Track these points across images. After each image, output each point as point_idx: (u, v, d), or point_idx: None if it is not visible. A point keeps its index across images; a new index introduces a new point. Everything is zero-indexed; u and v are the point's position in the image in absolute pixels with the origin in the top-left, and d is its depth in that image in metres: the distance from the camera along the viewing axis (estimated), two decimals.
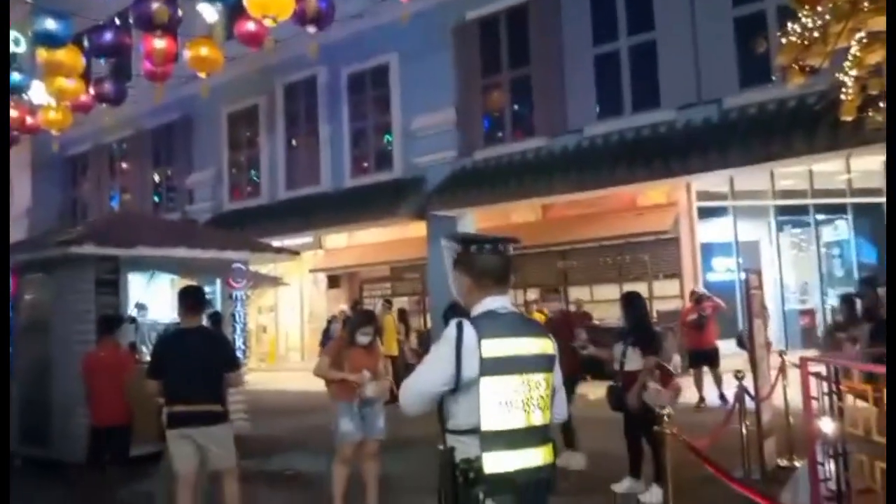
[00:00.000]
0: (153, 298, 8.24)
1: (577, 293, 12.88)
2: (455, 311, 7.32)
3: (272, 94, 15.28)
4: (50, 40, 8.40)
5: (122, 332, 6.65)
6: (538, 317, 8.13)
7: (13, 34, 9.69)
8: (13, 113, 11.69)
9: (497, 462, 2.19)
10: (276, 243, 10.47)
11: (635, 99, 10.87)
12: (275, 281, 11.54)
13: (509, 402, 2.24)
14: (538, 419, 2.29)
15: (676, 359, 8.84)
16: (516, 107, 12.37)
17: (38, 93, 11.17)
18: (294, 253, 9.87)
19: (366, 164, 14.06)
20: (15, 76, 10.76)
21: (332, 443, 5.18)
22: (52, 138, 15.48)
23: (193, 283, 7.37)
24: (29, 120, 12.23)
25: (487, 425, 2.21)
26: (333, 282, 16.45)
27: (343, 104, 14.17)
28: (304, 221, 13.69)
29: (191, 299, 4.69)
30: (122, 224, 8.33)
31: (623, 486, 5.33)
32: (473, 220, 12.25)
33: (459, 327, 2.28)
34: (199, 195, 16.47)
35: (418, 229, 12.97)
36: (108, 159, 18.82)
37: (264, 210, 14.90)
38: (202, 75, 9.65)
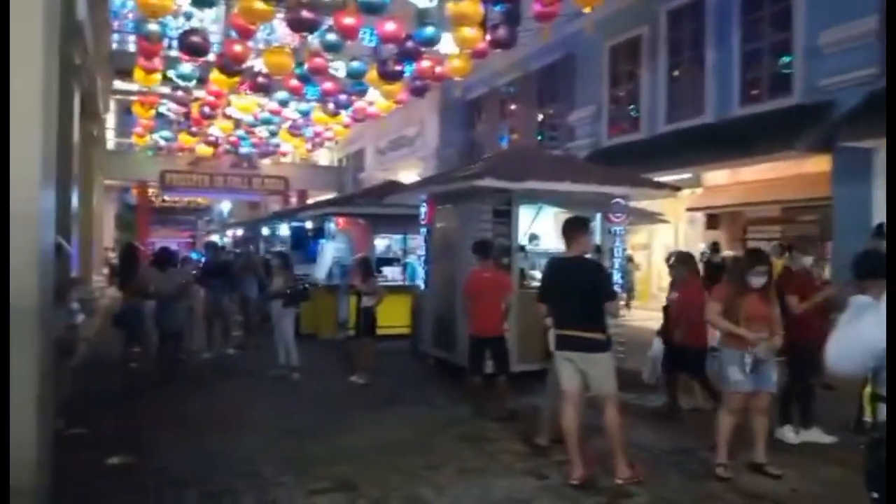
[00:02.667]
0: (539, 229, 8.82)
1: None
2: (868, 259, 6.23)
3: (655, 23, 14.66)
4: None
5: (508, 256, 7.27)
6: None
7: None
8: (425, 64, 13.47)
9: None
10: (656, 179, 10.19)
11: None
12: (653, 217, 11.28)
13: None
14: None
15: None
16: None
17: (445, 43, 12.61)
18: (674, 188, 9.49)
19: (757, 91, 12.63)
20: (428, 30, 12.32)
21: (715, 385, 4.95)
22: (455, 84, 17.55)
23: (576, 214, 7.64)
24: (438, 69, 13.95)
25: None
26: (712, 222, 15.46)
27: (733, 25, 12.85)
28: (684, 156, 13.02)
29: (576, 228, 4.81)
30: (515, 160, 8.98)
31: None
32: None
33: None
34: (580, 132, 16.90)
35: (818, 164, 11.24)
36: (499, 101, 20.51)
37: (643, 145, 14.61)
38: (587, 10, 9.71)
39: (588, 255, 5.02)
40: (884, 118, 9.52)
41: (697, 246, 15.71)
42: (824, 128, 10.60)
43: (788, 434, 5.65)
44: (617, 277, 8.40)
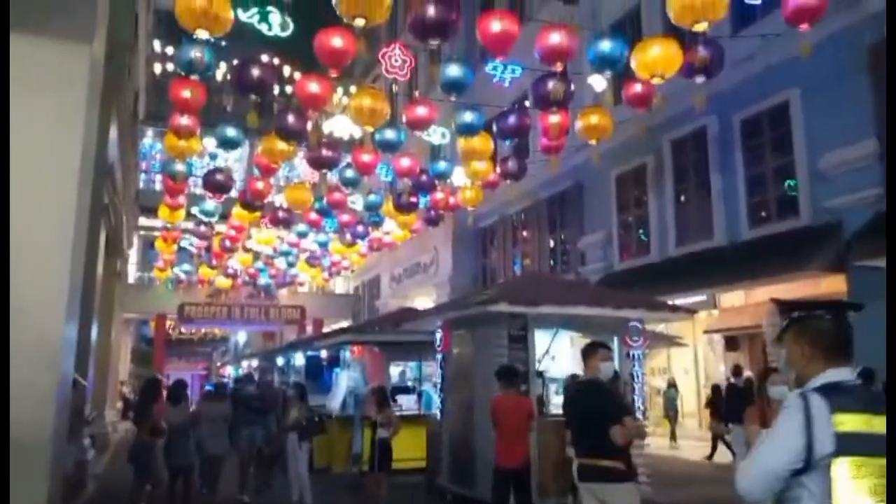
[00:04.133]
0: (556, 354, 8.73)
1: None
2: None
3: (659, 152, 15.25)
4: (468, 130, 9.85)
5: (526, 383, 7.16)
6: None
7: (440, 129, 11.67)
8: (439, 196, 13.99)
9: None
10: (671, 303, 10.20)
11: None
12: (671, 340, 11.20)
13: (871, 490, 1.87)
14: None
15: None
16: None
17: (457, 176, 13.18)
18: (690, 311, 9.47)
19: (765, 213, 12.87)
20: (442, 164, 12.92)
21: None
22: (467, 213, 18.06)
23: (593, 339, 7.59)
24: (451, 199, 14.47)
25: None
26: (731, 344, 15.23)
27: (736, 152, 13.35)
28: (697, 279, 13.08)
29: (587, 352, 4.77)
30: (529, 285, 9.08)
31: None
32: None
33: (804, 396, 1.99)
34: (591, 256, 17.14)
35: (832, 284, 11.23)
36: (510, 229, 21.00)
37: (654, 268, 14.73)
38: (593, 143, 10.17)
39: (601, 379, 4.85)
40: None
41: (718, 368, 15.40)
42: (834, 247, 10.69)
43: None
44: (638, 403, 8.20)
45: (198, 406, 8.69)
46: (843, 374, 2.11)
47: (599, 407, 4.47)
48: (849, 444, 1.91)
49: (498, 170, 12.39)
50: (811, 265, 10.76)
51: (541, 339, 8.31)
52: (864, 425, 1.93)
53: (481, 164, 11.54)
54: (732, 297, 14.49)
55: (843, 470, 1.89)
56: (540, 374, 8.23)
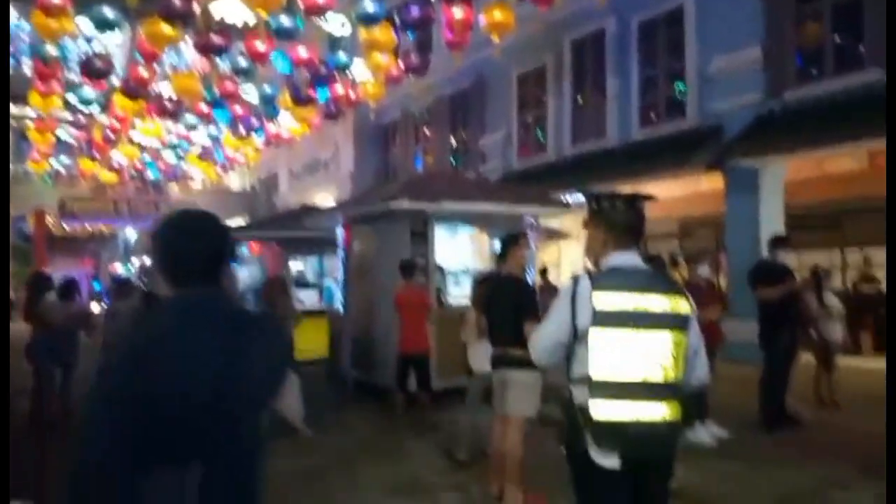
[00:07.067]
0: (456, 249, 9.01)
1: None
2: (763, 271, 6.70)
3: (560, 54, 15.35)
4: (369, 20, 9.48)
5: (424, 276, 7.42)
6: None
7: (340, 18, 11.15)
8: (339, 90, 13.55)
9: (604, 411, 2.24)
10: (563, 199, 10.64)
11: None
12: (560, 235, 11.78)
13: (623, 354, 2.24)
14: (659, 376, 2.26)
15: None
16: (838, 37, 10.67)
17: (358, 69, 12.75)
18: (581, 207, 9.94)
19: (655, 115, 13.44)
20: (340, 56, 12.43)
21: None
22: (369, 109, 17.67)
23: (489, 234, 7.88)
24: (352, 94, 14.06)
25: (597, 375, 2.25)
26: None
27: (632, 55, 13.67)
28: (590, 177, 13.63)
29: (508, 244, 4.85)
30: (430, 182, 9.17)
31: None
32: (780, 171, 11.01)
33: (575, 280, 2.35)
34: (491, 155, 17.37)
35: (713, 182, 12.07)
36: (413, 126, 20.79)
37: (550, 167, 15.18)
38: (496, 39, 10.07)
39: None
40: (769, 140, 10.43)
41: None
42: (715, 148, 11.40)
43: (700, 434, 5.98)
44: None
45: (115, 303, 8.48)
46: (627, 258, 2.43)
47: (517, 303, 4.51)
48: (602, 319, 2.26)
49: (400, 64, 12.09)
50: (693, 164, 11.46)
51: (441, 234, 8.52)
52: (622, 303, 2.28)
53: (383, 57, 11.20)
54: None
55: (598, 338, 2.26)
56: (440, 268, 8.51)
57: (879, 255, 11.83)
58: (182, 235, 1.56)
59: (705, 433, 6.07)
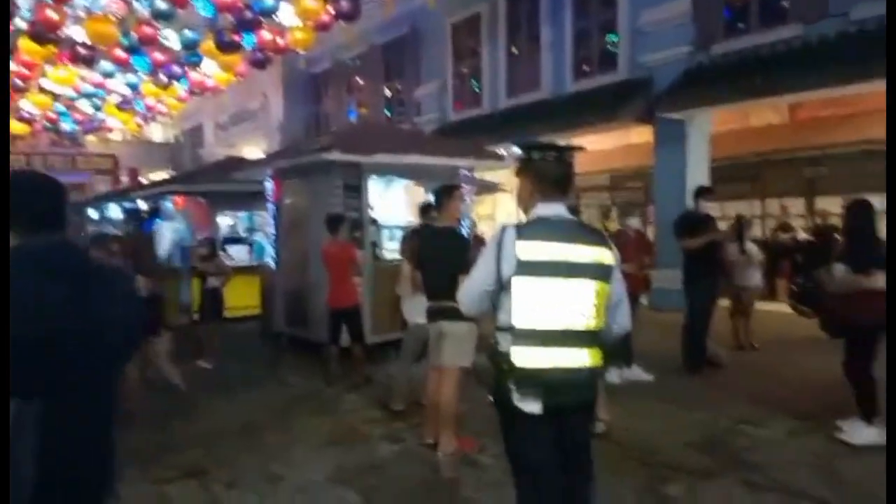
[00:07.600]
0: (390, 202, 8.90)
1: (825, 204, 11.53)
2: (687, 221, 6.87)
3: (494, 1, 15.12)
4: None
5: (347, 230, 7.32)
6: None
7: None
8: (266, 36, 12.97)
9: (526, 357, 2.31)
10: (498, 152, 10.61)
11: None
12: (495, 187, 11.82)
13: (545, 303, 2.30)
14: (580, 324, 2.33)
15: None
16: None
17: (285, 15, 12.21)
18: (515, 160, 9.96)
19: (588, 68, 13.49)
20: (266, 1, 11.86)
21: None
22: (298, 57, 17.08)
23: (424, 187, 7.80)
24: (279, 41, 13.48)
25: (519, 323, 2.31)
26: None
27: (566, 6, 13.60)
28: (524, 129, 13.64)
29: (443, 195, 4.77)
30: (363, 133, 8.98)
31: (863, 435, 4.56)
32: (706, 123, 11.29)
33: (502, 230, 2.39)
34: (426, 107, 17.13)
35: (643, 135, 12.29)
36: (345, 75, 20.23)
37: (485, 119, 15.11)
38: None
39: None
40: (696, 92, 10.64)
41: None
42: (645, 100, 11.57)
43: (611, 376, 6.14)
44: None
45: None
46: (553, 209, 2.44)
47: (452, 256, 4.46)
48: (526, 268, 2.31)
49: (330, 9, 11.63)
50: (623, 116, 11.62)
51: (375, 187, 8.39)
52: (545, 253, 2.33)
53: (312, 2, 10.77)
54: None
55: (521, 287, 2.31)
56: (374, 222, 8.40)
57: (797, 205, 12.44)
58: (16, 193, 1.72)
59: (630, 375, 6.32)
